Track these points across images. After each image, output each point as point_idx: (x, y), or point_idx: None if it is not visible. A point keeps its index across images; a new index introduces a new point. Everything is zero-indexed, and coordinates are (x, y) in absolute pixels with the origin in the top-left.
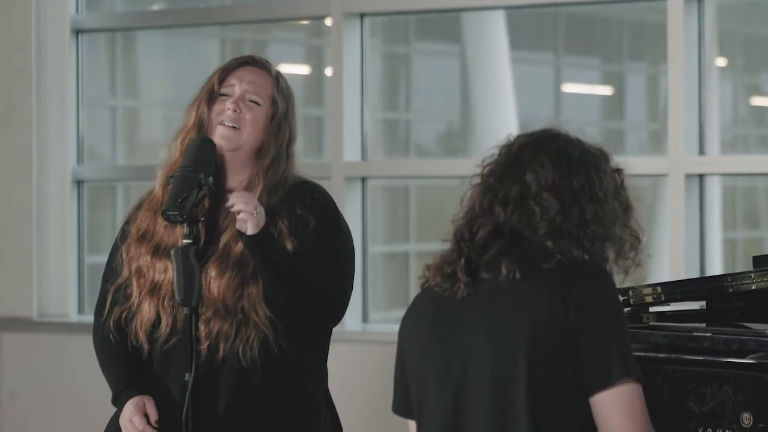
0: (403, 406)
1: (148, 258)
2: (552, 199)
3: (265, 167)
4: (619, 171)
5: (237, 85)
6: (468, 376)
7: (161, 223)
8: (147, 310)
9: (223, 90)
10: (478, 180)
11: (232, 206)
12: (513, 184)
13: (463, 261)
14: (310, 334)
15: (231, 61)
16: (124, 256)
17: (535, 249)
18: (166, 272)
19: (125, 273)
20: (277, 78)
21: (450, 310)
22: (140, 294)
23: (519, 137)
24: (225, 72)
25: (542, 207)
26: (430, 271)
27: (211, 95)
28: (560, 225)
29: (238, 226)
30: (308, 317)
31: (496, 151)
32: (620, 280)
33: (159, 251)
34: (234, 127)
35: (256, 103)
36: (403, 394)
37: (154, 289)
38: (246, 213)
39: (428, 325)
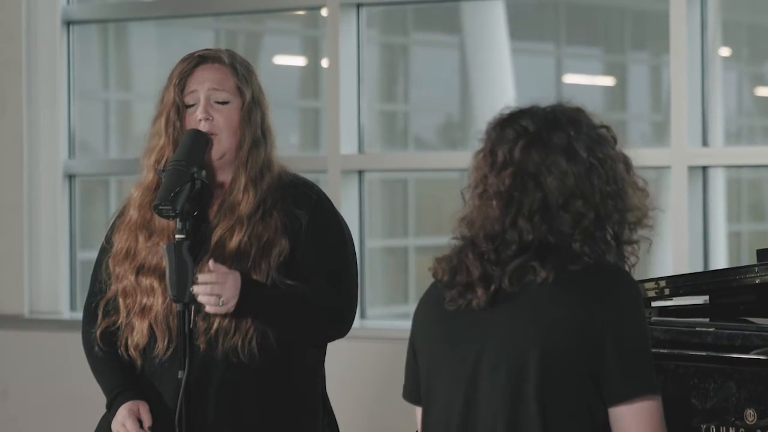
0: (413, 393)
1: (132, 278)
2: (580, 205)
3: (243, 159)
4: (608, 128)
5: (199, 91)
6: (480, 376)
7: (143, 242)
8: (139, 330)
9: (187, 100)
10: (480, 183)
11: (198, 295)
12: (535, 192)
13: (483, 278)
14: (317, 346)
15: (184, 64)
16: (111, 267)
17: (563, 252)
18: (153, 292)
19: (113, 288)
20: (233, 63)
21: (466, 312)
22: (129, 314)
23: (516, 136)
24: (182, 77)
25: (574, 215)
26: (440, 267)
27: (178, 109)
28: (594, 232)
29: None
30: (320, 336)
31: (489, 146)
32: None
33: (143, 271)
34: (213, 134)
35: (225, 102)
36: (414, 381)
37: (144, 310)
38: (211, 309)
39: (442, 320)
